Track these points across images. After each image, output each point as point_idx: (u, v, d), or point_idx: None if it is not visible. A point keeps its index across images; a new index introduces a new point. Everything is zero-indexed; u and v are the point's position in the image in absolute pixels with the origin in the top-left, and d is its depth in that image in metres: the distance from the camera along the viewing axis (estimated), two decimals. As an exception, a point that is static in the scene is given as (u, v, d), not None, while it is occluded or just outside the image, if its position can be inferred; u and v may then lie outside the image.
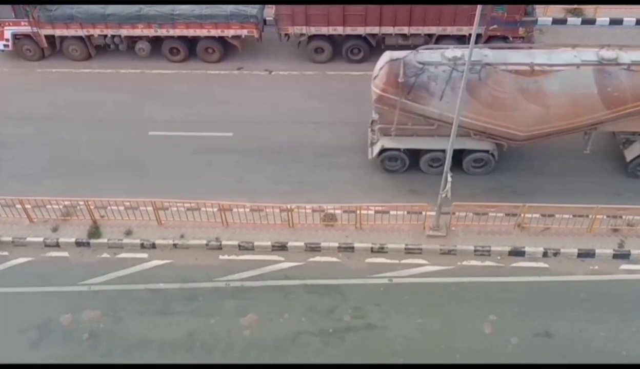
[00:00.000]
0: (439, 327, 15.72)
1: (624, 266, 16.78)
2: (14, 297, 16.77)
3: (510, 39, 22.65)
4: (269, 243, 17.53)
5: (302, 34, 23.28)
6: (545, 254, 17.01)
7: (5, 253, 17.76)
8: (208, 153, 20.35)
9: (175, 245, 17.69)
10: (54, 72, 24.14)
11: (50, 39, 23.91)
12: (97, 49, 24.41)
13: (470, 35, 15.24)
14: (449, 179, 15.67)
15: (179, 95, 22.76)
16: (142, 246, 17.72)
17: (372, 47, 23.36)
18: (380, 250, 17.32)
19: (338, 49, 23.64)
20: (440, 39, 22.83)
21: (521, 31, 22.45)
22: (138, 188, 18.70)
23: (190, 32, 23.23)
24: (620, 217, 17.29)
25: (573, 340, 15.32)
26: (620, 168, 19.04)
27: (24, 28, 23.53)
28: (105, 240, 17.82)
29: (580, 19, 25.24)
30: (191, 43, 23.87)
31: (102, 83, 23.44)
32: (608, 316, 15.70)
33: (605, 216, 17.12)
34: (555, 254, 16.99)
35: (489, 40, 22.70)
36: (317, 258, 17.36)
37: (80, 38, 23.80)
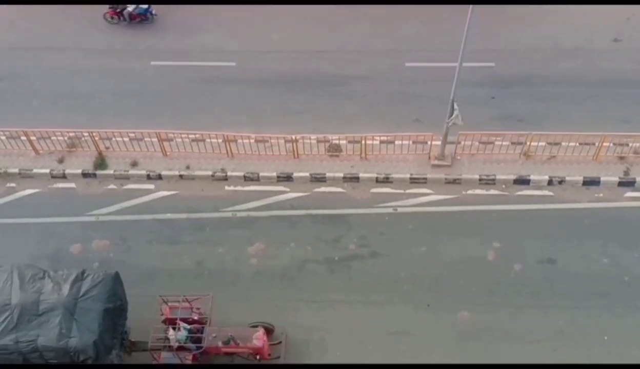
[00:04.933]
0: (442, 255, 15.93)
1: (629, 194, 16.83)
2: (24, 228, 17.01)
3: None
4: (274, 174, 17.58)
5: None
6: (550, 182, 17.04)
7: (13, 185, 17.90)
8: (211, 84, 20.12)
9: (181, 176, 17.76)
10: None
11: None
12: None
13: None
14: (456, 107, 15.52)
15: (181, 23, 22.27)
16: (148, 177, 17.80)
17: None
18: (385, 180, 17.36)
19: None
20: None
21: None
22: (142, 119, 18.59)
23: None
24: (627, 145, 17.23)
25: (576, 266, 15.53)
26: (629, 94, 18.79)
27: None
28: (111, 171, 17.90)
29: None
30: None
31: (103, 12, 22.97)
32: (611, 243, 15.86)
33: (611, 144, 17.06)
34: (560, 182, 17.02)
35: None
36: (323, 189, 17.44)
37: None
